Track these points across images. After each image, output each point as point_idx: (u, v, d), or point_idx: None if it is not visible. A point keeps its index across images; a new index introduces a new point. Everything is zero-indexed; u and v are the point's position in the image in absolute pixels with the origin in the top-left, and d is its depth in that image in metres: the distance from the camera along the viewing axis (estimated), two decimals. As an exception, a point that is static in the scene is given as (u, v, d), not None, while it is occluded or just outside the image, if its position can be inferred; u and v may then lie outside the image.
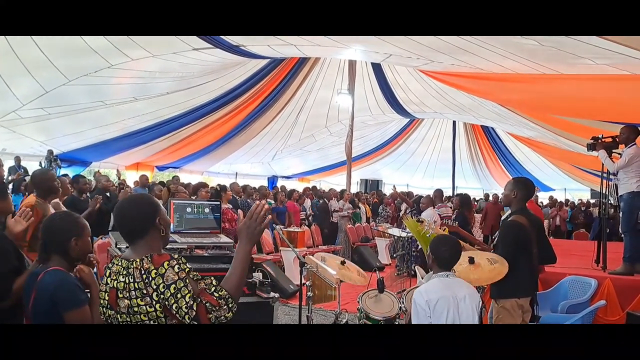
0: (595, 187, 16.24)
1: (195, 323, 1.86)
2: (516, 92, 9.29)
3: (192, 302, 1.85)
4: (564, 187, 22.66)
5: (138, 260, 1.92)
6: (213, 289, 1.92)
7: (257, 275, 4.03)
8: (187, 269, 1.92)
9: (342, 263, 3.93)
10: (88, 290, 2.43)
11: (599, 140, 5.86)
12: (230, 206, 7.74)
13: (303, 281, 3.72)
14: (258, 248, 9.16)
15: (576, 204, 17.45)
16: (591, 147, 5.96)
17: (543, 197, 19.19)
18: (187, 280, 1.89)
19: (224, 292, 1.91)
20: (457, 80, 10.30)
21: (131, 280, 1.90)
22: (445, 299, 2.83)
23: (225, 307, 1.90)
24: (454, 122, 19.07)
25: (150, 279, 1.87)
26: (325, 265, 3.69)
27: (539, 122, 11.84)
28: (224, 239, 4.10)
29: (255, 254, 7.64)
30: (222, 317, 1.89)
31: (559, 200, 17.40)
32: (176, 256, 1.93)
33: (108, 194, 7.65)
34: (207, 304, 1.87)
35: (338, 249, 11.44)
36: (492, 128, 19.28)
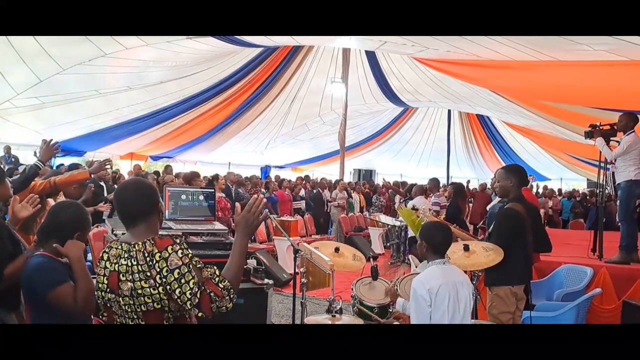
0: (592, 176, 16.27)
1: (197, 310, 1.88)
2: (512, 80, 9.25)
3: (196, 290, 1.87)
4: (560, 176, 22.70)
5: (140, 243, 1.93)
6: (217, 279, 1.94)
7: (252, 262, 4.02)
8: (190, 255, 1.93)
9: (336, 250, 3.90)
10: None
11: (597, 128, 5.83)
12: (224, 195, 7.70)
13: (296, 268, 3.70)
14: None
15: (573, 194, 17.48)
16: (589, 135, 5.93)
17: (538, 187, 19.23)
18: (190, 266, 1.90)
19: (227, 283, 1.94)
20: (452, 67, 10.24)
21: (134, 263, 1.91)
22: (446, 285, 2.80)
23: (227, 297, 1.93)
24: (449, 111, 19.02)
25: (154, 261, 1.89)
26: (319, 252, 3.66)
27: (535, 111, 11.81)
28: (218, 226, 4.07)
29: (248, 243, 7.62)
30: (223, 307, 1.92)
31: (548, 189, 17.45)
32: (178, 240, 1.94)
33: (102, 183, 7.61)
34: (211, 294, 1.89)
35: (331, 238, 11.44)
36: (488, 117, 19.25)
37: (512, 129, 18.95)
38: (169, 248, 1.90)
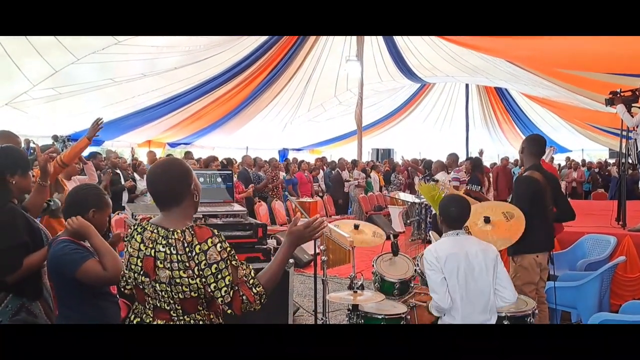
0: (614, 145, 15.88)
1: (227, 307, 1.91)
2: (530, 49, 9.03)
3: (229, 290, 1.89)
4: (581, 147, 22.29)
5: (179, 231, 1.91)
6: (252, 282, 1.94)
7: (272, 242, 4.04)
8: (228, 249, 1.92)
9: (356, 227, 3.90)
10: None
11: (618, 95, 5.68)
12: (236, 179, 7.77)
13: (317, 245, 3.71)
14: (271, 220, 9.22)
15: (595, 163, 17.17)
16: (609, 102, 5.79)
17: (560, 159, 18.92)
18: (228, 262, 1.90)
19: (260, 289, 1.94)
20: (469, 39, 10.04)
21: (173, 252, 1.89)
22: (455, 255, 2.82)
23: (258, 301, 1.93)
24: (467, 85, 18.73)
25: (194, 253, 1.88)
26: (338, 229, 3.66)
27: (554, 80, 11.55)
28: (236, 207, 4.11)
29: (269, 226, 7.70)
30: (252, 309, 1.93)
31: (574, 161, 17.14)
32: (217, 232, 1.92)
33: (118, 171, 7.72)
34: (243, 297, 1.90)
35: (351, 218, 11.45)
36: (506, 90, 18.91)
37: (531, 100, 18.61)
38: (209, 241, 1.89)
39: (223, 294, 1.87)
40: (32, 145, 11.36)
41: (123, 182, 7.75)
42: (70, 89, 10.93)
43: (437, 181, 5.01)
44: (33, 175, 2.89)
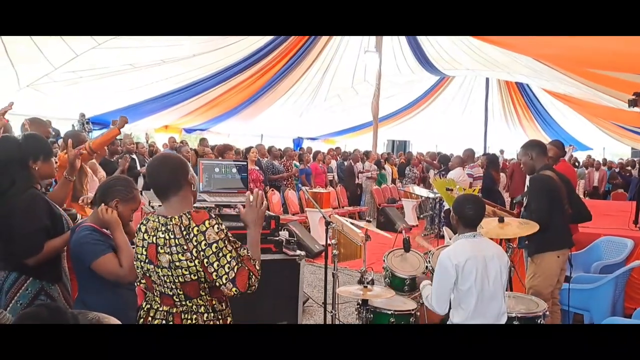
0: (636, 145, 15.60)
1: (231, 285, 1.94)
2: (553, 47, 8.85)
3: (234, 264, 1.96)
4: (603, 146, 21.91)
5: (177, 217, 2.00)
6: (253, 260, 2.05)
7: (284, 234, 4.05)
8: (225, 230, 2.01)
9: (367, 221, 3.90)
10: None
11: (641, 96, 5.61)
12: (257, 167, 7.78)
13: (329, 240, 3.72)
14: (284, 209, 9.26)
15: (616, 162, 16.86)
16: (633, 103, 5.73)
17: (580, 157, 18.63)
18: (226, 242, 1.98)
19: (259, 265, 2.06)
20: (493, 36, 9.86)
21: (171, 237, 1.98)
22: (474, 259, 2.78)
23: (259, 278, 2.04)
24: (487, 79, 18.48)
25: (192, 235, 1.96)
26: (350, 224, 3.66)
27: (577, 77, 11.32)
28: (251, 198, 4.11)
29: (281, 215, 7.72)
30: (253, 287, 2.01)
31: (596, 160, 16.81)
32: (213, 215, 2.01)
33: (134, 156, 7.78)
34: (250, 272, 1.99)
35: (364, 210, 11.45)
36: (527, 85, 18.61)
37: (552, 96, 18.29)
38: (206, 222, 1.97)
39: (227, 270, 1.93)
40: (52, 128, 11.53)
41: (139, 168, 7.81)
42: (90, 73, 11.05)
43: (451, 190, 4.98)
44: (56, 162, 2.94)
